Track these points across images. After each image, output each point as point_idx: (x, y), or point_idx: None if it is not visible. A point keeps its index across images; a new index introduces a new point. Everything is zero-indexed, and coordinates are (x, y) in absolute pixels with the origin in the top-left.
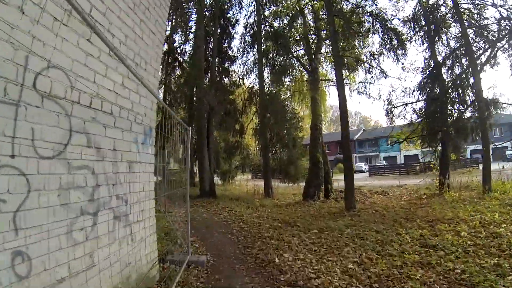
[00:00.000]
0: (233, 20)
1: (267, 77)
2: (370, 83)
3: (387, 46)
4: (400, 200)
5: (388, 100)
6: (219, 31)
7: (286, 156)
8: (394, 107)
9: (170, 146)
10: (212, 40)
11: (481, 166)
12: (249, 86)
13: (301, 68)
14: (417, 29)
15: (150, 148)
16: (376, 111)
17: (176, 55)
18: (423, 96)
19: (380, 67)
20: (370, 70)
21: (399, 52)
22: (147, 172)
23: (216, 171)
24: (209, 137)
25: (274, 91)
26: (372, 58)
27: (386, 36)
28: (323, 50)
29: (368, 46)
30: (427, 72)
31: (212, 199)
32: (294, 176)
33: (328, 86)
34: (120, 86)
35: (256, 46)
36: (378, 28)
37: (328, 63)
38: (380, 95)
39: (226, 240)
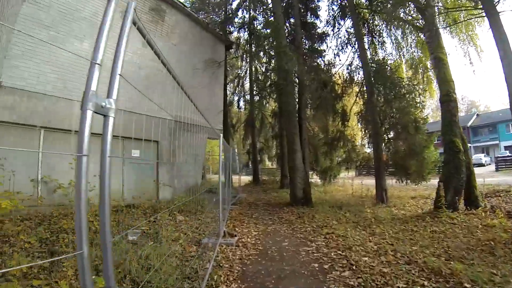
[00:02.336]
0: None
1: (368, 48)
2: None
3: None
4: None
5: None
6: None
7: (405, 145)
8: None
9: None
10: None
11: None
12: (347, 63)
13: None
14: None
15: None
16: (485, 93)
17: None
18: None
19: None
20: None
21: None
22: None
23: (315, 168)
24: (301, 125)
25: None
26: None
27: None
28: None
29: None
30: None
31: (306, 209)
32: (417, 172)
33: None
34: None
35: (348, 15)
36: None
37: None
38: None
39: None
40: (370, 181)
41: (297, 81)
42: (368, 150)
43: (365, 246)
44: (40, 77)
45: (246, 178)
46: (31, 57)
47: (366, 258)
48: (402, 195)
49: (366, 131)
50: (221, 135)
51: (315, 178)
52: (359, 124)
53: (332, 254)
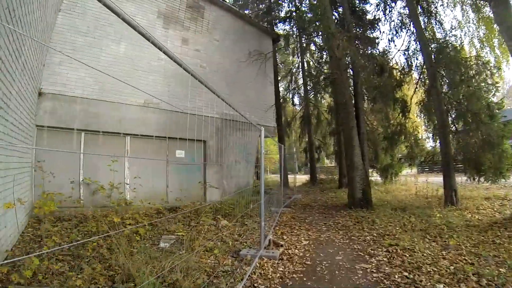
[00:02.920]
0: None
1: (424, 29)
2: None
3: None
4: None
5: None
6: None
7: (476, 137)
8: None
9: None
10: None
11: None
12: (403, 48)
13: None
14: None
15: None
16: None
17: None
18: None
19: None
20: None
21: None
22: None
23: (375, 166)
24: (359, 118)
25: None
26: None
27: None
28: None
29: None
30: None
31: (365, 212)
32: (494, 168)
33: None
34: None
35: None
36: None
37: None
38: None
39: None
40: (435, 179)
41: (352, 72)
42: (431, 144)
43: (438, 265)
44: (78, 81)
45: (304, 177)
46: (69, 64)
47: (441, 286)
48: (474, 195)
49: (429, 123)
50: (262, 128)
51: (374, 176)
52: (421, 115)
53: (396, 276)
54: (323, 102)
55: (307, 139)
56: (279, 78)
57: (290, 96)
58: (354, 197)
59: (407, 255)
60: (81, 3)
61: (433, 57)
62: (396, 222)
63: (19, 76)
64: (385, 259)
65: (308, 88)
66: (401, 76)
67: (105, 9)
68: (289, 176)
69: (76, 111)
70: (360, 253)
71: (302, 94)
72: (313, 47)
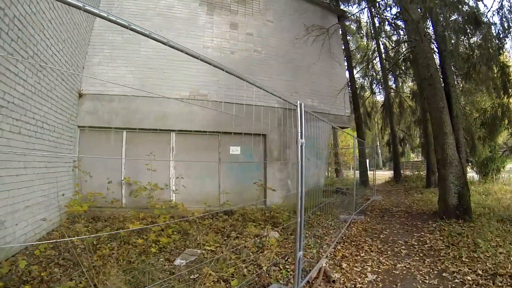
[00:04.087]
0: None
1: None
2: None
3: None
4: None
5: None
6: None
7: None
8: None
9: None
10: None
11: None
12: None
13: None
14: None
15: None
16: None
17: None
18: None
19: None
20: None
21: None
22: None
23: (469, 159)
24: (450, 96)
25: None
26: None
27: None
28: None
29: None
30: None
31: (463, 226)
32: None
33: None
34: None
35: None
36: None
37: None
38: None
39: None
40: None
41: (435, 41)
42: None
43: None
44: (118, 79)
45: (388, 174)
46: (108, 63)
47: None
48: None
49: None
50: (299, 103)
51: (469, 172)
52: None
53: None
54: (405, 88)
55: (389, 131)
56: (354, 65)
57: (368, 83)
58: (447, 202)
59: None
60: (117, 3)
61: None
62: (508, 246)
63: (34, 77)
64: None
65: (387, 72)
66: (498, 41)
67: (142, 6)
68: (369, 172)
69: (116, 109)
70: None
71: (381, 80)
72: (387, 28)
